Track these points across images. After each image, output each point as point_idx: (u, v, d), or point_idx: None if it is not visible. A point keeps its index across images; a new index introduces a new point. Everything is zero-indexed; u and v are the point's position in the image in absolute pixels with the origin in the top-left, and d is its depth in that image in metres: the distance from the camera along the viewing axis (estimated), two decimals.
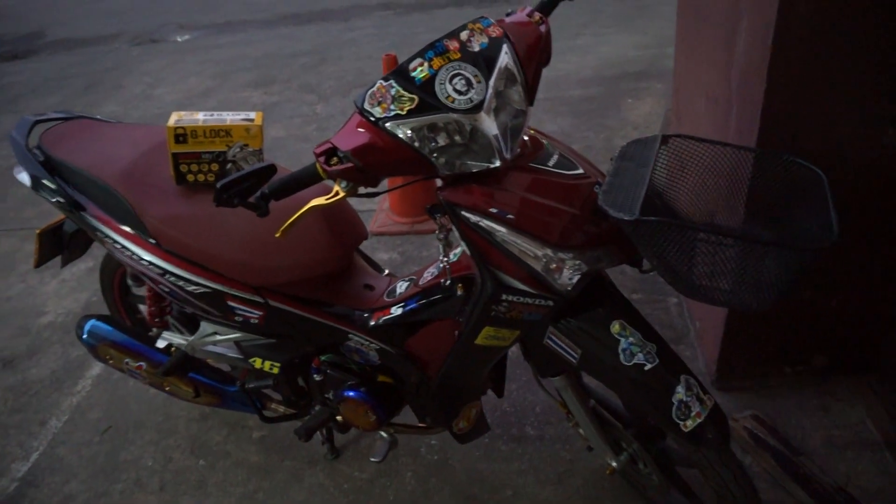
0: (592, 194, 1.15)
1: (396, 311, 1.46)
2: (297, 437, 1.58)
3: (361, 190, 1.18)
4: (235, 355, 1.69)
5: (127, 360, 1.73)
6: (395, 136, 1.06)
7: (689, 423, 1.15)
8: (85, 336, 1.74)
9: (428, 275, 1.46)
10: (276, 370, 1.64)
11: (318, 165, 1.11)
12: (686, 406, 1.15)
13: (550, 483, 1.77)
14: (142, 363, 1.73)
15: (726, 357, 1.92)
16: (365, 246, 2.78)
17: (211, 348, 1.72)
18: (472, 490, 1.79)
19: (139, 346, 1.74)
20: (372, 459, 1.63)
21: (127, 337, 1.74)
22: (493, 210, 1.11)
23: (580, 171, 1.19)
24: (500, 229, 1.12)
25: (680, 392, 1.16)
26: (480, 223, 1.12)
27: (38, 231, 1.79)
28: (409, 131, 1.06)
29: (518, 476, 1.80)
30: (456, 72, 1.05)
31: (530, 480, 1.79)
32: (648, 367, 1.17)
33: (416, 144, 1.07)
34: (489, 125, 1.08)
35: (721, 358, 1.93)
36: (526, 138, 1.20)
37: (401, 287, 1.53)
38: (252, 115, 1.52)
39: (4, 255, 3.24)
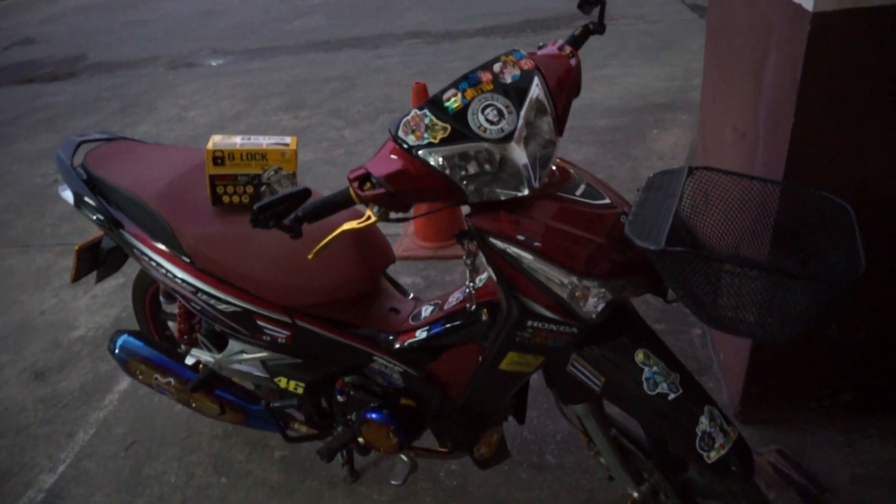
0: (618, 224, 1.17)
1: (421, 334, 1.48)
2: (319, 457, 1.60)
3: (392, 215, 1.21)
4: (261, 374, 1.72)
5: (156, 375, 1.78)
6: (428, 163, 1.10)
7: (712, 454, 1.14)
8: (117, 351, 1.79)
9: (453, 299, 1.48)
10: (300, 390, 1.66)
11: (351, 190, 1.15)
12: (710, 437, 1.15)
13: None
14: (170, 379, 1.77)
15: (750, 390, 1.90)
16: (389, 270, 2.82)
17: (238, 367, 1.75)
18: None
19: (168, 362, 1.78)
20: (392, 482, 1.63)
21: (157, 353, 1.78)
22: (521, 237, 1.14)
23: (607, 200, 1.21)
24: (526, 256, 1.14)
25: (703, 423, 1.16)
26: (508, 250, 1.15)
27: (77, 247, 1.85)
28: (440, 159, 1.09)
29: (537, 503, 1.79)
30: (488, 102, 1.09)
31: None
32: (672, 396, 1.17)
33: (448, 172, 1.10)
34: (519, 154, 1.11)
35: (745, 391, 1.91)
36: (554, 168, 1.23)
37: (426, 311, 1.55)
38: (287, 139, 1.57)
39: (40, 269, 3.33)
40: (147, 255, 1.60)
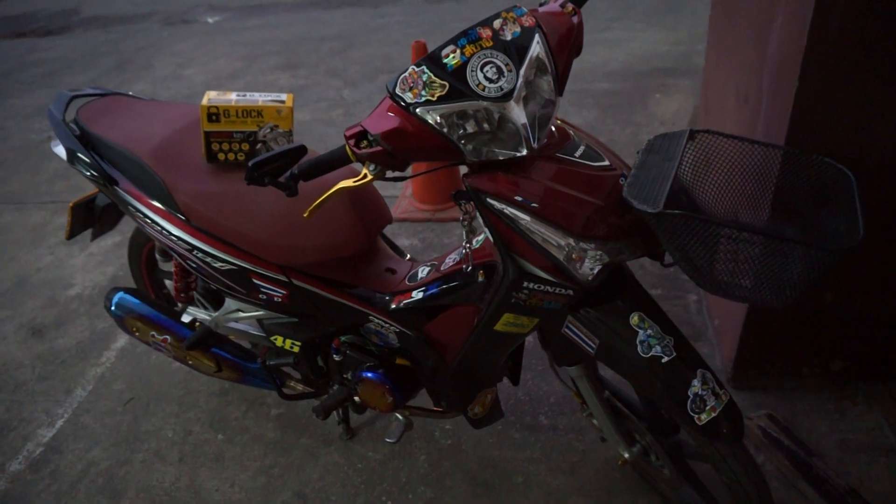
0: (617, 186, 1.16)
1: (417, 295, 1.48)
2: (315, 414, 1.61)
3: (389, 174, 1.20)
4: (257, 332, 1.73)
5: (153, 332, 1.78)
6: (425, 121, 1.08)
7: (703, 416, 1.15)
8: (113, 308, 1.79)
9: (449, 261, 1.48)
10: (296, 349, 1.67)
11: (347, 148, 1.13)
12: (701, 400, 1.16)
13: (562, 472, 1.79)
14: (167, 336, 1.77)
15: (744, 356, 1.92)
16: (387, 232, 2.81)
17: (234, 325, 1.75)
18: (483, 475, 1.81)
19: (165, 319, 1.78)
20: (387, 440, 1.65)
21: (153, 310, 1.79)
22: (518, 198, 1.13)
23: (606, 162, 1.20)
24: (524, 217, 1.14)
25: (696, 385, 1.17)
26: (505, 210, 1.14)
27: (70, 204, 1.84)
28: (438, 117, 1.08)
29: (530, 464, 1.82)
30: (487, 60, 1.07)
31: (542, 469, 1.81)
32: (665, 359, 1.18)
33: (445, 130, 1.08)
34: (518, 114, 1.09)
35: (738, 356, 1.92)
36: (553, 128, 1.21)
37: (422, 272, 1.55)
38: (283, 96, 1.55)
39: (35, 227, 3.32)
40: (142, 213, 1.59)
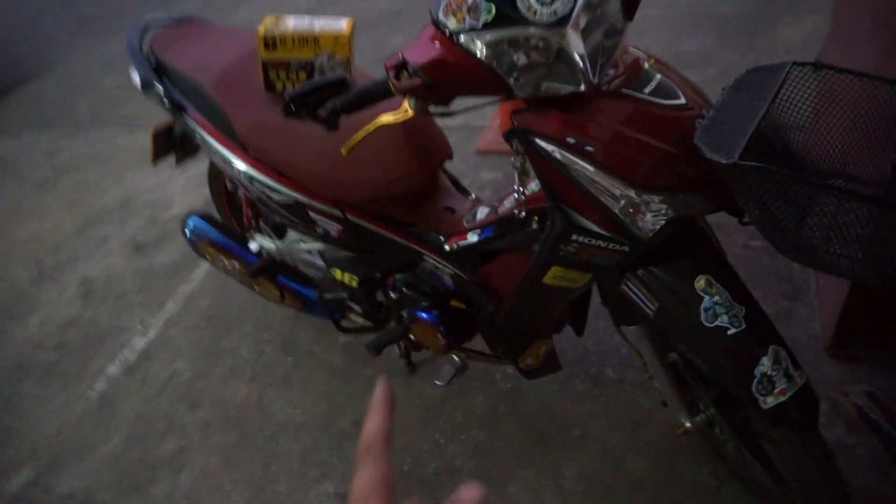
0: (692, 129, 1.00)
1: (472, 237, 1.40)
2: (368, 350, 1.61)
3: (432, 108, 1.11)
4: (319, 264, 1.73)
5: (222, 258, 1.84)
6: (469, 51, 0.97)
7: (769, 399, 1.02)
8: (188, 233, 1.86)
9: (508, 203, 1.38)
10: (354, 283, 1.66)
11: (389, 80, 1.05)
12: (770, 381, 1.02)
13: (623, 430, 1.70)
14: (235, 263, 1.82)
15: (846, 322, 1.69)
16: (469, 165, 2.70)
17: (298, 255, 1.77)
18: (540, 424, 1.76)
19: (234, 246, 1.83)
20: (437, 382, 1.63)
21: (223, 237, 1.83)
22: (571, 140, 1.00)
23: (682, 100, 1.03)
24: (577, 162, 1.01)
25: (765, 364, 1.03)
26: (555, 154, 1.02)
27: (152, 130, 1.89)
28: (483, 46, 0.96)
29: (590, 418, 1.75)
30: None
31: (602, 424, 1.72)
32: (732, 331, 1.04)
33: (492, 62, 0.97)
34: (576, 43, 0.95)
35: (840, 323, 1.70)
36: (622, 59, 1.06)
37: (481, 213, 1.46)
38: (342, 23, 1.47)
39: (143, 150, 3.51)
40: (206, 141, 1.60)
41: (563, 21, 0.93)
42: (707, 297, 1.06)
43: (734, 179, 0.91)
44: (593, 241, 1.06)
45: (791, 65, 1.03)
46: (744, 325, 1.04)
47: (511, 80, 0.99)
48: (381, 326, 1.78)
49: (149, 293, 2.49)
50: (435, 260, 1.49)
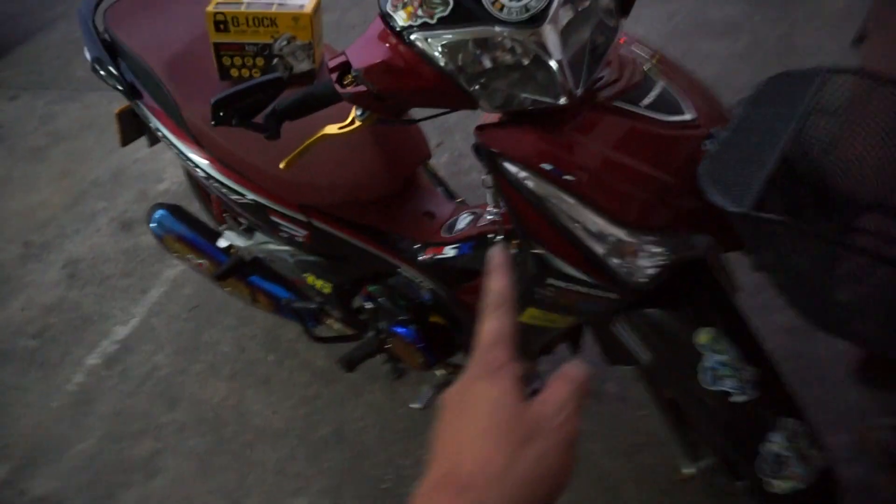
0: (698, 152, 0.81)
1: (449, 251, 1.24)
2: (340, 366, 1.47)
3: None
4: (290, 268, 1.58)
5: (189, 255, 1.70)
6: (422, 54, 0.78)
7: (777, 483, 0.85)
8: (153, 225, 1.72)
9: (489, 216, 1.20)
10: (327, 290, 1.51)
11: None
12: (779, 462, 0.85)
13: (621, 455, 1.55)
14: (203, 261, 1.69)
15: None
16: (463, 153, 2.49)
17: (269, 255, 1.62)
18: None
19: (202, 242, 1.68)
20: (412, 406, 1.49)
21: (191, 232, 1.69)
22: (547, 166, 0.82)
23: (688, 116, 0.84)
24: (554, 194, 0.83)
25: (776, 441, 0.86)
26: (527, 182, 0.84)
27: (116, 111, 1.73)
28: (439, 48, 0.77)
29: (586, 439, 1.60)
30: None
31: (599, 447, 1.58)
32: (737, 399, 0.87)
33: (450, 68, 0.78)
34: (554, 46, 0.76)
35: None
36: (616, 59, 0.86)
37: (462, 221, 1.29)
38: (304, 0, 1.27)
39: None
40: (162, 132, 1.44)
41: (537, 18, 0.74)
42: (709, 355, 0.89)
43: (745, 228, 0.72)
44: (574, 287, 0.89)
45: (825, 72, 0.82)
46: (755, 394, 0.86)
47: (474, 91, 0.80)
48: (360, 334, 1.64)
49: (133, 277, 2.38)
50: (410, 271, 1.33)
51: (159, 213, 1.71)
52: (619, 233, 0.81)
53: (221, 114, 0.92)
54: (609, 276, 0.85)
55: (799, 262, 0.72)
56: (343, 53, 0.85)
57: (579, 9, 0.76)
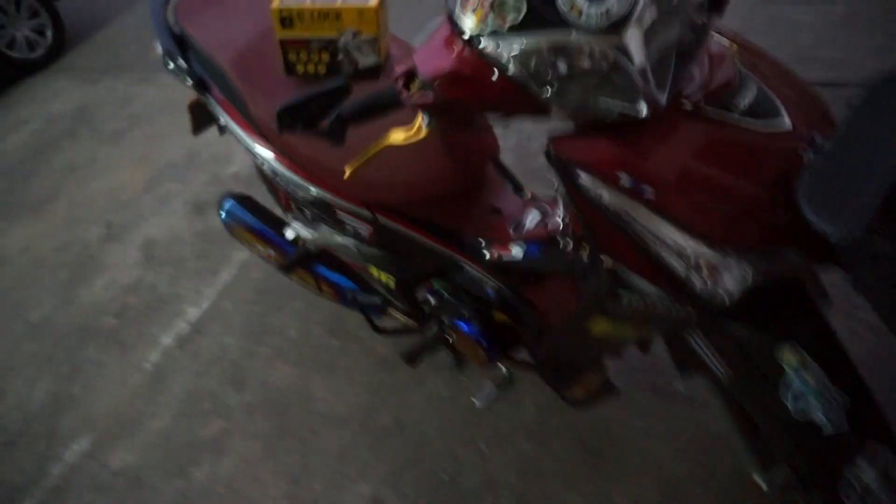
0: (796, 162, 0.75)
1: (516, 252, 1.21)
2: (402, 359, 1.48)
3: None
4: (356, 260, 1.59)
5: (258, 245, 1.73)
6: (491, 62, 0.75)
7: None
8: (223, 215, 1.76)
9: (560, 215, 1.16)
10: (392, 283, 1.51)
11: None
12: (866, 491, 0.79)
13: (688, 459, 1.50)
14: (271, 251, 1.71)
15: None
16: (532, 136, 2.43)
17: (334, 247, 1.63)
18: (594, 441, 1.59)
19: (270, 233, 1.71)
20: (474, 401, 1.48)
21: (259, 222, 1.72)
22: (625, 179, 0.77)
23: (786, 122, 0.77)
24: (630, 206, 0.79)
25: (864, 468, 0.80)
26: (602, 196, 0.79)
27: (188, 102, 1.77)
28: (510, 57, 0.74)
29: (651, 439, 1.56)
30: None
31: (664, 448, 1.53)
32: (827, 431, 0.80)
33: (522, 77, 0.74)
34: (636, 50, 0.71)
35: None
36: (704, 63, 0.80)
37: (531, 219, 1.26)
38: None
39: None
40: (230, 127, 1.46)
41: (617, 24, 0.69)
42: (792, 374, 0.83)
43: (852, 257, 0.66)
44: (648, 301, 0.85)
45: None
46: (844, 427, 0.80)
47: (547, 98, 0.76)
48: (422, 326, 1.63)
49: (206, 259, 2.46)
50: (475, 269, 1.31)
51: (229, 203, 1.75)
52: (704, 250, 0.76)
53: (287, 121, 0.92)
54: (688, 295, 0.80)
55: None
56: (409, 60, 0.83)
57: (665, 8, 0.71)
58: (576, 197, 0.81)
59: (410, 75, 0.84)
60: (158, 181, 2.95)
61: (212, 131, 1.82)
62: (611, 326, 0.96)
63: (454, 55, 0.76)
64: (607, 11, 0.69)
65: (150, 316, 2.29)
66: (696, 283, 0.78)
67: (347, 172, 0.99)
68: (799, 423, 0.81)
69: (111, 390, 2.09)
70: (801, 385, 0.82)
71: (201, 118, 1.81)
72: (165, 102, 3.54)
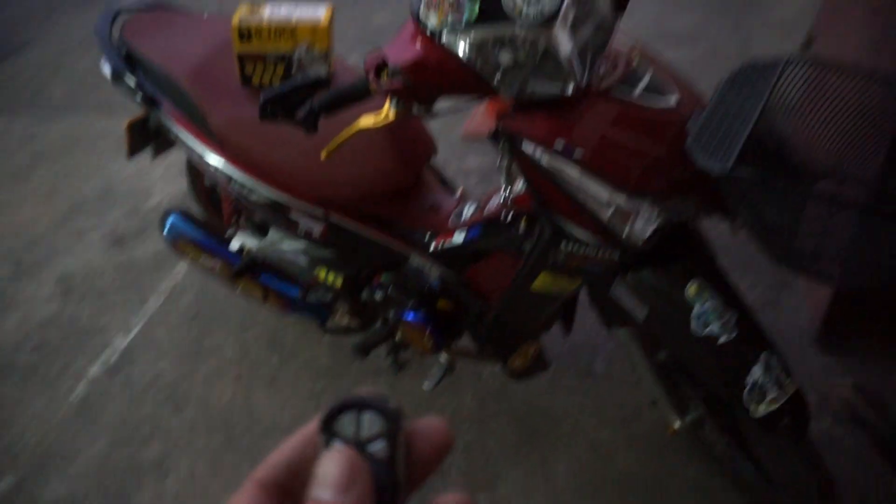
0: (684, 131, 0.97)
1: (458, 237, 1.37)
2: (353, 354, 1.58)
3: (416, 109, 1.06)
4: (302, 264, 1.69)
5: (203, 258, 1.79)
6: (452, 51, 0.92)
7: (761, 407, 1.00)
8: (166, 231, 1.80)
9: (494, 201, 1.34)
10: (339, 283, 1.62)
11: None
12: (761, 390, 1.00)
13: (612, 425, 1.69)
14: (216, 263, 1.77)
15: (835, 314, 1.69)
16: (454, 151, 2.65)
17: (281, 254, 1.72)
18: (529, 420, 1.75)
19: (215, 245, 1.77)
20: (424, 387, 1.60)
21: (204, 235, 1.78)
22: (559, 145, 0.97)
23: (674, 99, 1.00)
24: (565, 168, 0.98)
25: (756, 373, 1.01)
26: (543, 159, 0.98)
27: (126, 123, 1.82)
28: (467, 47, 0.92)
29: (580, 413, 1.74)
30: None
31: (591, 420, 1.72)
32: (723, 339, 1.02)
33: (475, 63, 0.92)
34: (563, 42, 0.91)
35: (829, 314, 1.70)
36: (611, 55, 1.02)
37: (467, 211, 1.43)
38: (321, 12, 1.41)
39: (122, 136, 3.42)
40: (182, 138, 1.55)
41: (550, 20, 0.89)
42: (698, 304, 1.04)
43: (728, 187, 0.88)
44: (583, 249, 1.03)
45: (784, 62, 0.99)
46: (735, 333, 1.02)
47: (495, 81, 0.95)
48: (367, 326, 1.75)
49: (130, 290, 2.43)
50: (421, 259, 1.45)
51: (172, 218, 1.80)
52: (620, 198, 0.97)
53: (269, 109, 1.05)
54: (613, 237, 1.00)
55: (770, 212, 0.88)
56: (378, 53, 0.99)
57: (583, 8, 0.92)
58: (523, 163, 1.00)
59: (381, 66, 0.99)
60: (71, 217, 2.88)
61: (124, 166, 1.87)
62: (551, 280, 1.14)
63: (421, 46, 0.94)
64: (541, 10, 0.89)
65: (74, 348, 2.23)
66: (617, 226, 0.98)
67: (324, 155, 1.12)
68: (702, 339, 1.02)
69: (34, 426, 2.00)
70: (703, 310, 1.03)
71: (139, 140, 1.87)
72: (72, 141, 3.45)
